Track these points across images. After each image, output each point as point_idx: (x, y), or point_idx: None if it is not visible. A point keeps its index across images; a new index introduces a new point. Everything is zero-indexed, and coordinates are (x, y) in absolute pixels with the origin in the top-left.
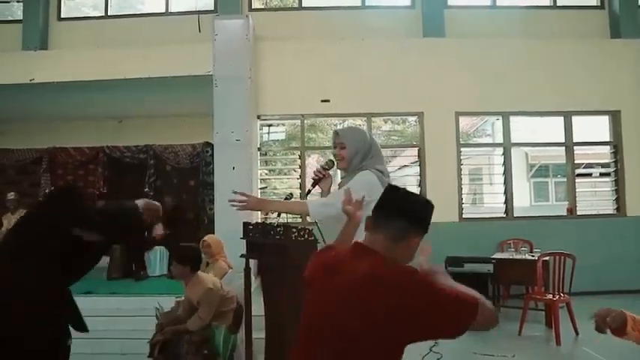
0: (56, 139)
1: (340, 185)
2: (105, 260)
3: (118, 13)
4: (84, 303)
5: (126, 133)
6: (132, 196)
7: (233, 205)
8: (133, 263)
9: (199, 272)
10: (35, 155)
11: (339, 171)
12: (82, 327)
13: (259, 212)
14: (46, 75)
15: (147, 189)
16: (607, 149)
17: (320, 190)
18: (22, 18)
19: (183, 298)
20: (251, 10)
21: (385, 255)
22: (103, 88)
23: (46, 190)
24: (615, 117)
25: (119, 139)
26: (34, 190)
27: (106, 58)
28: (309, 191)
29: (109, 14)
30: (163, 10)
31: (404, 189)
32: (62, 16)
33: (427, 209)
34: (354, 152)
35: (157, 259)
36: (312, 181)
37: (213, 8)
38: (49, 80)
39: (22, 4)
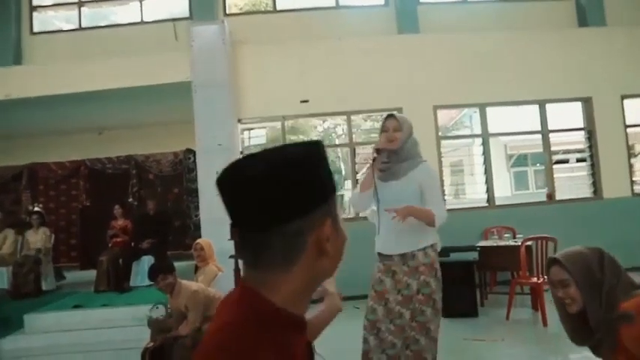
0: (36, 154)
1: (385, 170)
2: (93, 273)
3: (92, 25)
4: (75, 316)
5: (107, 144)
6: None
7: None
8: (118, 275)
9: (181, 281)
10: (14, 172)
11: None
12: None
13: None
14: (22, 90)
15: (131, 199)
16: (582, 135)
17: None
18: None
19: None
20: (226, 15)
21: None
22: (80, 101)
23: (29, 207)
24: (587, 103)
25: (100, 151)
26: (16, 207)
27: (83, 70)
28: (375, 159)
29: (82, 26)
30: (138, 20)
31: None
32: (35, 30)
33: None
34: (407, 138)
35: (145, 268)
36: (375, 150)
37: (188, 15)
38: (26, 95)
39: None
